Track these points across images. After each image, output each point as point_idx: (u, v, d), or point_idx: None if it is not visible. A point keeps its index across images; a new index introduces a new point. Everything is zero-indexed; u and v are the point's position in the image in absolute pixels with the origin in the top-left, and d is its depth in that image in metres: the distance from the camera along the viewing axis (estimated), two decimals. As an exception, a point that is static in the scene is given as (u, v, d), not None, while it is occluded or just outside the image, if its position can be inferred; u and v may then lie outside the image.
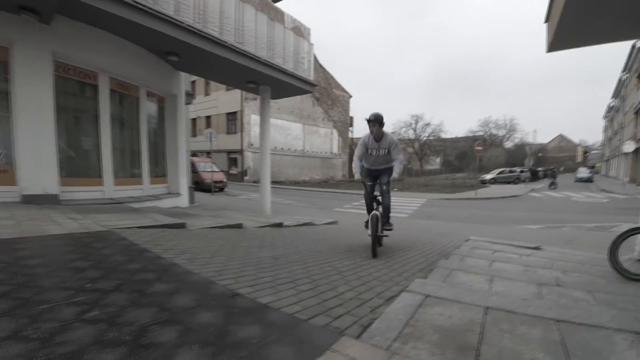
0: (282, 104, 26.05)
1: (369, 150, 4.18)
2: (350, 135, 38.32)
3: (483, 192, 21.03)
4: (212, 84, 27.65)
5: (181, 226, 4.50)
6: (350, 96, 38.13)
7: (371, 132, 4.05)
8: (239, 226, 5.33)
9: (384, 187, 4.18)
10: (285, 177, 28.88)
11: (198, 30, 5.98)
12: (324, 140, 34.05)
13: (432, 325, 1.71)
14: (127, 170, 6.97)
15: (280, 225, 6.31)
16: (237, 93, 25.97)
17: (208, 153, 20.00)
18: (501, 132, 57.55)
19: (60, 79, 5.41)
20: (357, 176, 4.14)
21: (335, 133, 35.30)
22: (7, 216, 3.89)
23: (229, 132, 27.64)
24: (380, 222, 4.00)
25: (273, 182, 9.93)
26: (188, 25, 5.79)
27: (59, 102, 5.36)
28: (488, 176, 32.73)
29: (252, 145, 26.17)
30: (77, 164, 5.96)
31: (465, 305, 1.96)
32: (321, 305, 2.03)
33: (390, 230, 4.33)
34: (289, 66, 8.25)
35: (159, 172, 7.89)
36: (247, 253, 3.33)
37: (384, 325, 1.71)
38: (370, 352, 1.47)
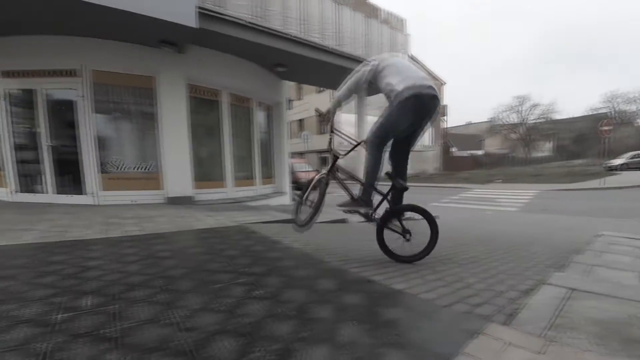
0: (370, 99, 25.92)
1: None
2: (443, 125, 36.02)
3: (612, 180, 17.45)
4: (305, 88, 29.08)
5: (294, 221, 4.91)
6: (443, 83, 35.83)
7: None
8: (343, 221, 5.56)
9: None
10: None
11: (302, 39, 6.47)
12: (415, 132, 32.73)
13: (586, 317, 1.62)
14: (244, 173, 7.88)
15: (383, 220, 6.40)
16: (326, 95, 26.83)
17: (301, 154, 21.19)
18: (632, 107, 45.84)
19: (192, 99, 6.44)
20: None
21: (426, 125, 33.69)
22: (160, 214, 4.81)
23: (320, 133, 28.79)
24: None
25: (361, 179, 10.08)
26: (294, 36, 6.32)
27: (192, 119, 6.37)
28: (617, 161, 26.69)
29: (342, 144, 26.69)
30: (205, 170, 7.00)
31: (622, 300, 1.83)
32: (455, 294, 2.00)
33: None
34: (387, 61, 8.25)
35: (268, 173, 8.71)
36: (361, 245, 3.46)
37: (533, 315, 1.66)
38: (526, 338, 1.43)
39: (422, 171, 32.81)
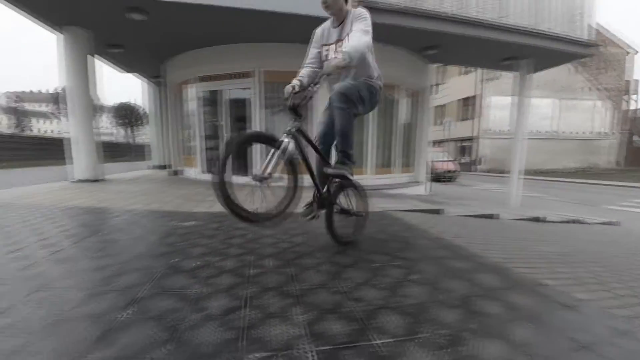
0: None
1: (324, 52, 2.31)
2: (629, 106, 27.53)
3: None
4: (449, 71, 26.97)
5: (437, 212, 4.70)
6: (635, 52, 27.22)
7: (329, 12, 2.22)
8: (490, 216, 5.03)
9: (333, 100, 2.10)
10: (529, 164, 24.25)
11: (459, 16, 5.95)
12: (585, 116, 25.92)
13: None
14: (384, 161, 7.97)
15: (538, 219, 5.48)
16: (471, 77, 24.30)
17: (439, 142, 19.90)
18: None
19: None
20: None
21: (604, 105, 26.27)
22: None
23: (462, 119, 26.36)
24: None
25: (507, 172, 8.64)
26: (450, 15, 5.89)
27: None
28: None
29: (489, 130, 23.83)
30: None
31: None
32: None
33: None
34: (558, 30, 6.81)
35: (407, 162, 8.55)
36: (524, 244, 3.06)
37: None
38: None
39: (592, 165, 25.92)
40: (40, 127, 59.46)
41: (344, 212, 2.41)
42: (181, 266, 1.95)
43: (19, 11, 5.24)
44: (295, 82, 2.12)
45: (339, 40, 2.21)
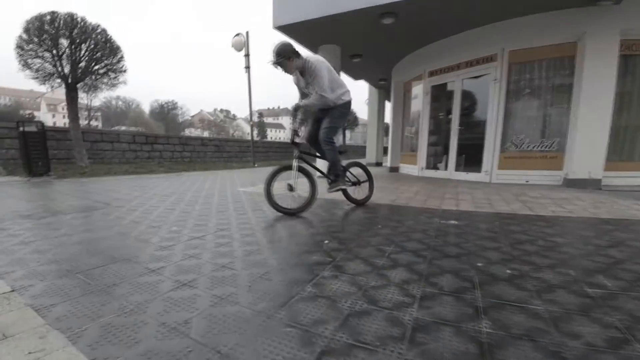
0: None
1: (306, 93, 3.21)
2: None
3: None
4: None
5: None
6: None
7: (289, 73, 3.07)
8: None
9: (322, 138, 3.15)
10: None
11: None
12: None
13: None
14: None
15: None
16: None
17: None
18: None
19: (622, 59, 5.01)
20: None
21: None
22: (574, 197, 4.09)
23: None
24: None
25: None
26: None
27: (618, 86, 4.99)
28: None
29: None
30: (625, 148, 5.38)
31: None
32: None
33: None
34: None
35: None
36: None
37: None
38: None
39: None
40: (273, 135, 77.23)
41: (354, 184, 3.65)
42: (497, 274, 1.61)
43: (287, 38, 6.55)
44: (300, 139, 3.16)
45: (308, 84, 3.07)
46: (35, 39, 6.91)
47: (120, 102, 57.04)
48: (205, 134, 47.63)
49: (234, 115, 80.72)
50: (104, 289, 1.42)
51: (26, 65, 7.09)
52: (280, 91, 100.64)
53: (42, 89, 8.02)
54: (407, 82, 8.44)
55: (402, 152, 9.00)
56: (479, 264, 1.79)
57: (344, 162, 3.43)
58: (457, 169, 6.80)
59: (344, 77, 10.18)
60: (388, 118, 10.82)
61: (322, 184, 3.36)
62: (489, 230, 2.54)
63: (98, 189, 4.73)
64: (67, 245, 2.03)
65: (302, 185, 3.14)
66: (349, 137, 38.48)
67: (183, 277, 1.55)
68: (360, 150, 26.98)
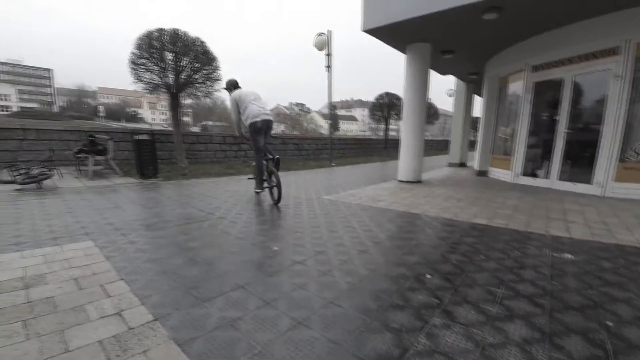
0: None
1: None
2: None
3: None
4: None
5: None
6: None
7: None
8: None
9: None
10: None
11: None
12: None
13: None
14: None
15: None
16: None
17: None
18: None
19: None
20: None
21: None
22: None
23: None
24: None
25: None
26: None
27: None
28: None
29: None
30: None
31: None
32: None
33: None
34: None
35: None
36: None
37: None
38: None
39: None
40: (346, 128, 77.19)
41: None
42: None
43: (375, 39, 6.46)
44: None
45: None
46: (146, 54, 7.95)
47: (208, 100, 63.02)
48: (282, 128, 49.87)
49: (308, 109, 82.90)
50: (230, 322, 1.59)
51: (138, 78, 8.21)
52: (354, 84, 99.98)
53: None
54: (504, 77, 7.67)
55: (492, 155, 8.28)
56: (609, 323, 1.58)
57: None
58: (561, 178, 6.02)
59: (431, 74, 9.70)
60: (476, 112, 10.02)
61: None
62: (613, 272, 2.22)
63: (199, 194, 5.25)
64: (188, 267, 2.30)
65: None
66: (428, 132, 36.50)
67: (297, 314, 1.65)
68: (438, 146, 25.42)
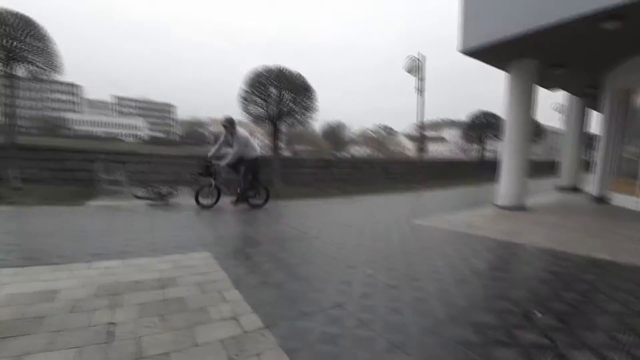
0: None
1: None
2: None
3: None
4: None
5: None
6: None
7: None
8: None
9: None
10: None
11: None
12: None
13: None
14: None
15: None
16: None
17: None
18: None
19: None
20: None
21: None
22: None
23: None
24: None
25: None
26: None
27: None
28: None
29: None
30: None
31: None
32: None
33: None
34: None
35: None
36: None
37: None
38: None
39: None
40: (433, 149, 72.99)
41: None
42: None
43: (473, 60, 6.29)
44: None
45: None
46: (255, 90, 9.11)
47: (298, 125, 67.44)
48: (368, 151, 50.22)
49: (395, 131, 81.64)
50: (331, 338, 1.69)
51: (247, 111, 9.41)
52: (441, 101, 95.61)
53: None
54: (631, 89, 6.65)
55: (614, 177, 7.10)
56: None
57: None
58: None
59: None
60: (592, 128, 8.76)
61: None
62: None
63: (296, 214, 5.69)
64: (291, 281, 2.51)
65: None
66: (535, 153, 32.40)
67: (393, 338, 1.68)
68: (543, 167, 22.24)
